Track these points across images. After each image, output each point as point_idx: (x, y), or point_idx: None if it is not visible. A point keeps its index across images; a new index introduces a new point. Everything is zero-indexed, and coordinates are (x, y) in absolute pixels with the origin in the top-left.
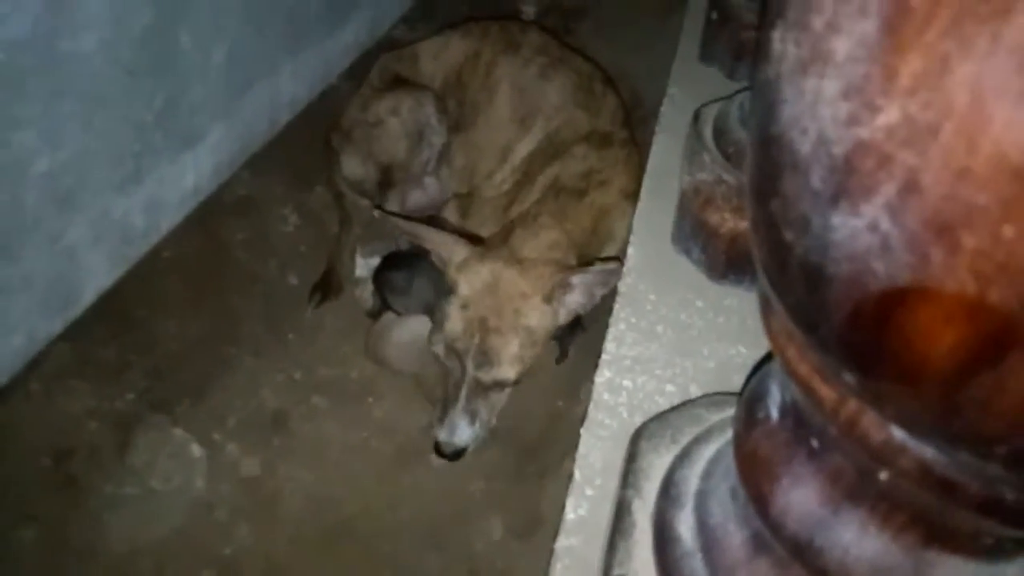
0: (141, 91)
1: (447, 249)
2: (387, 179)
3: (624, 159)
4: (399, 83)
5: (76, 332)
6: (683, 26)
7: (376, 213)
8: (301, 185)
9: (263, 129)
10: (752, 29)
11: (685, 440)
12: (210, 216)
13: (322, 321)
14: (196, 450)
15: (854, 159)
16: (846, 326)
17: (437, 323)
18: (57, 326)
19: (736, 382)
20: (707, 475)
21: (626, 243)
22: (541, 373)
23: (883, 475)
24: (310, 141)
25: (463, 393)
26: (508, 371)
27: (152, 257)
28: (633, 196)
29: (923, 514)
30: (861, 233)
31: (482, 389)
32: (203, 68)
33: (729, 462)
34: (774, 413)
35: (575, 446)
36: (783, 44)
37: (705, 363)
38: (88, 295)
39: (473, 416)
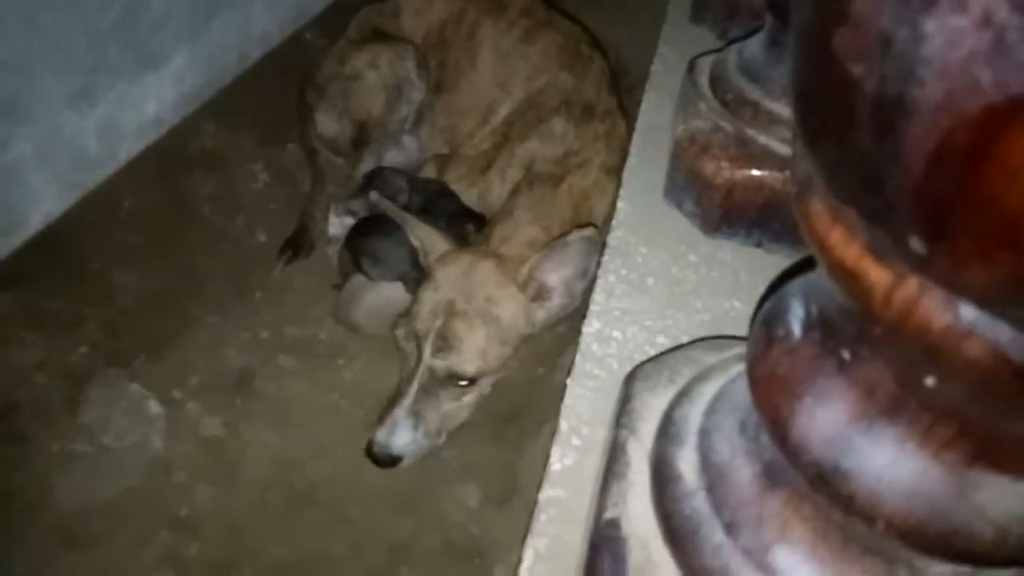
0: None
1: (430, 242)
2: (363, 136)
3: (605, 133)
4: (378, 36)
5: (25, 281)
6: None
7: (373, 195)
8: (272, 140)
9: (231, 62)
10: None
11: (682, 381)
12: (174, 168)
13: (291, 280)
14: (154, 407)
15: None
16: (927, 170)
17: (407, 308)
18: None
19: (731, 334)
20: (710, 412)
21: (608, 217)
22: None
23: (930, 380)
24: (281, 94)
25: (413, 387)
26: (467, 363)
27: (110, 206)
28: (614, 171)
29: (972, 425)
30: (964, 34)
31: (435, 385)
32: None
33: (735, 398)
34: (796, 329)
35: (555, 413)
36: None
37: (699, 316)
38: (35, 222)
39: (417, 420)
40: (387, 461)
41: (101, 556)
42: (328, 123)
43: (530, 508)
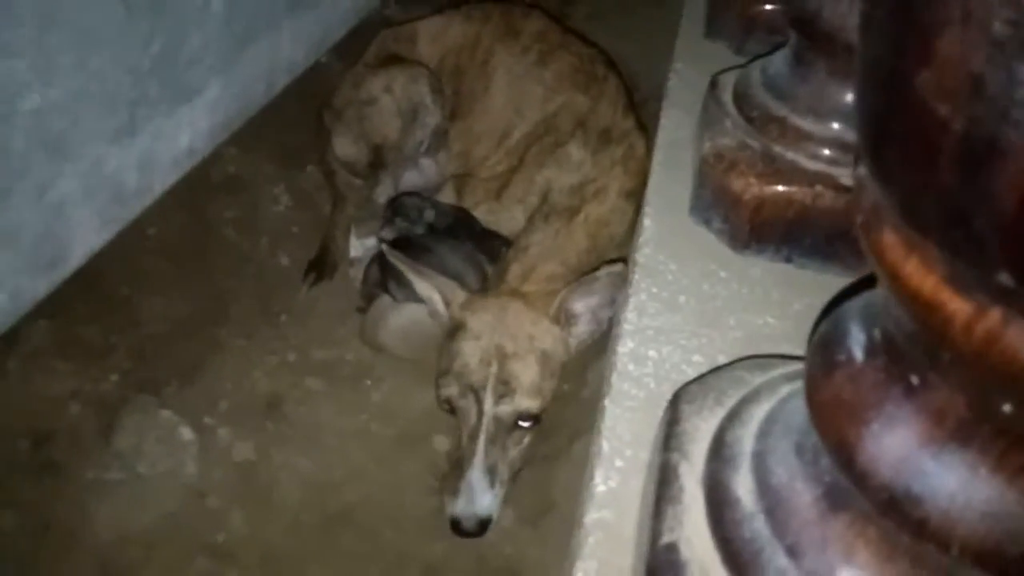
0: (138, 31)
1: (448, 290)
2: (379, 159)
3: (623, 156)
4: (394, 61)
5: (55, 310)
6: (685, 2)
7: (384, 248)
8: (292, 164)
9: (260, 91)
10: (761, 3)
11: (730, 402)
12: (197, 194)
13: (315, 302)
14: (186, 433)
15: None
16: (1020, 209)
17: (444, 365)
18: (42, 288)
19: (766, 351)
20: (763, 434)
21: (628, 237)
22: None
23: (1007, 407)
24: (300, 118)
25: (480, 445)
26: (531, 400)
27: (136, 234)
28: (634, 194)
29: None
30: None
31: (502, 435)
32: (202, 15)
33: (788, 419)
34: (858, 354)
35: (583, 429)
36: None
37: (732, 333)
38: (77, 256)
39: (493, 476)
40: (478, 531)
41: None
42: (345, 146)
43: (565, 527)
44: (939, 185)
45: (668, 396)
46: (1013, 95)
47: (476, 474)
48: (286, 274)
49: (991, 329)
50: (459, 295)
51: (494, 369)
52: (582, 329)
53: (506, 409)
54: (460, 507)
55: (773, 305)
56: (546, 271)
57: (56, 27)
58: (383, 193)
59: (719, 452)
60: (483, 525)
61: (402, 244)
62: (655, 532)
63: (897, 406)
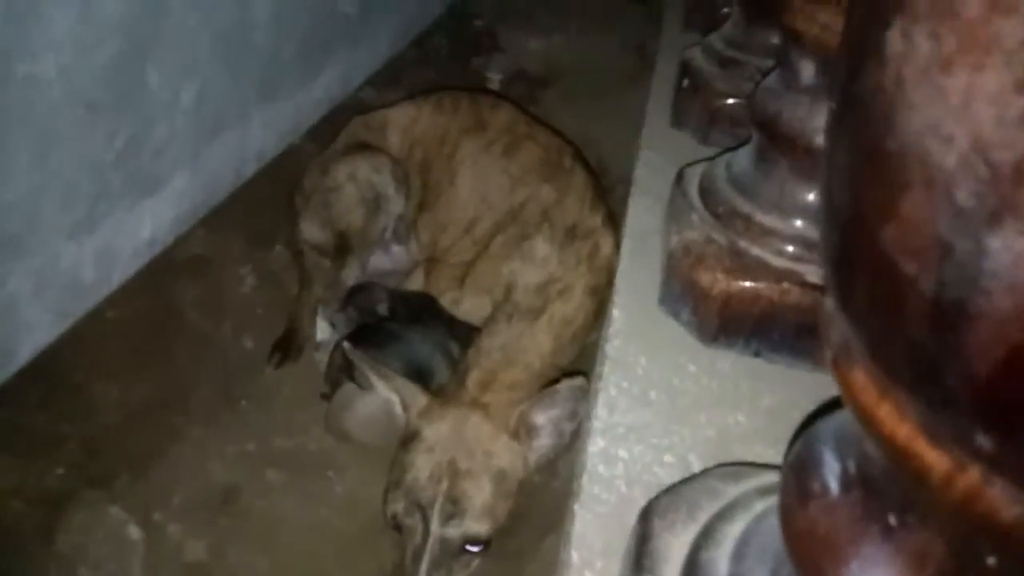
0: (102, 128)
1: (408, 394)
2: (345, 244)
3: (588, 254)
4: (361, 148)
5: (2, 398)
6: (651, 92)
7: (345, 346)
8: (260, 244)
9: (228, 180)
10: (724, 97)
11: (703, 517)
12: (161, 275)
13: (278, 387)
14: (134, 532)
15: None
16: (993, 375)
17: (394, 477)
18: None
19: (737, 452)
20: (738, 557)
21: (590, 338)
22: None
23: (992, 560)
24: (270, 199)
25: (423, 569)
26: (480, 524)
27: (94, 316)
28: (596, 291)
29: None
30: None
31: (447, 559)
32: (170, 108)
33: (764, 541)
34: (833, 485)
35: (554, 524)
36: (908, 41)
37: (703, 432)
38: (24, 353)
39: None
40: None
41: None
42: (313, 230)
43: None
44: (909, 337)
45: (639, 500)
46: (982, 264)
47: None
48: (249, 357)
49: (971, 487)
50: (419, 400)
51: (444, 487)
52: (543, 443)
53: (453, 532)
54: None
55: (743, 400)
56: (508, 379)
57: (15, 128)
58: (350, 276)
59: (693, 575)
60: None
61: (372, 330)
62: None
63: (875, 546)
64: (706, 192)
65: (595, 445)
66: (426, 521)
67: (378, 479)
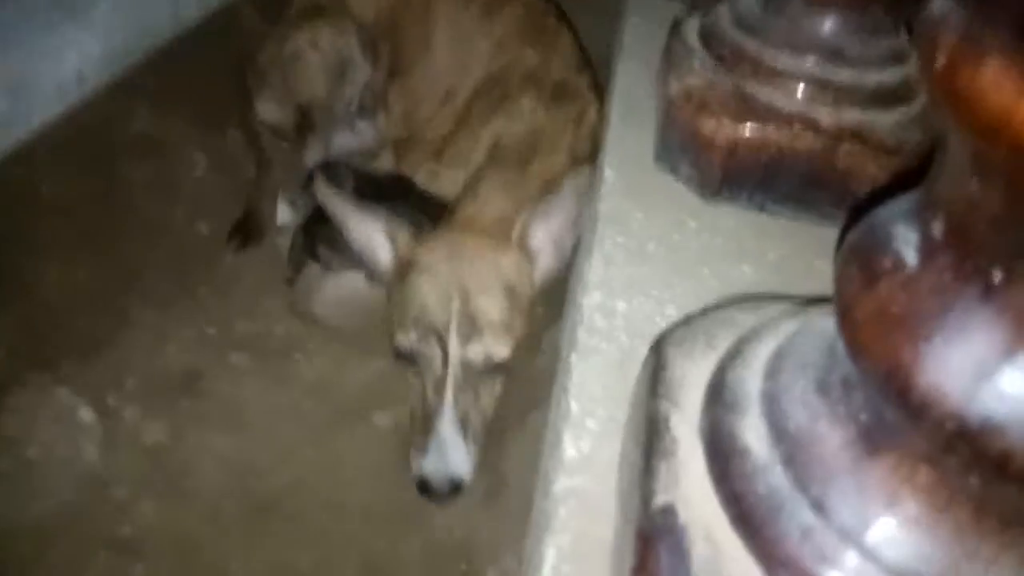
0: None
1: (395, 227)
2: (307, 121)
3: (575, 119)
4: (321, 13)
5: None
6: None
7: (320, 182)
8: (210, 124)
9: (164, 21)
10: None
11: (723, 345)
12: (100, 153)
13: (239, 273)
14: (86, 415)
15: None
16: None
17: (397, 311)
18: None
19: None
20: (773, 373)
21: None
22: None
23: None
24: (218, 69)
25: (448, 395)
26: (500, 342)
27: (27, 195)
28: (580, 160)
29: None
30: None
31: (471, 381)
32: None
33: (803, 355)
34: (910, 257)
35: (538, 400)
36: None
37: (707, 283)
38: None
39: (466, 429)
40: (449, 491)
41: None
42: (270, 109)
43: (521, 505)
44: None
45: (642, 351)
46: None
47: (447, 426)
48: (205, 243)
49: None
50: (405, 235)
51: (457, 306)
52: (544, 263)
53: (475, 350)
54: (430, 464)
55: (748, 254)
56: (496, 211)
57: None
58: (313, 157)
59: (720, 396)
60: (455, 487)
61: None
62: (646, 493)
63: (969, 312)
64: (708, 35)
65: (590, 298)
66: (443, 346)
67: (349, 361)
